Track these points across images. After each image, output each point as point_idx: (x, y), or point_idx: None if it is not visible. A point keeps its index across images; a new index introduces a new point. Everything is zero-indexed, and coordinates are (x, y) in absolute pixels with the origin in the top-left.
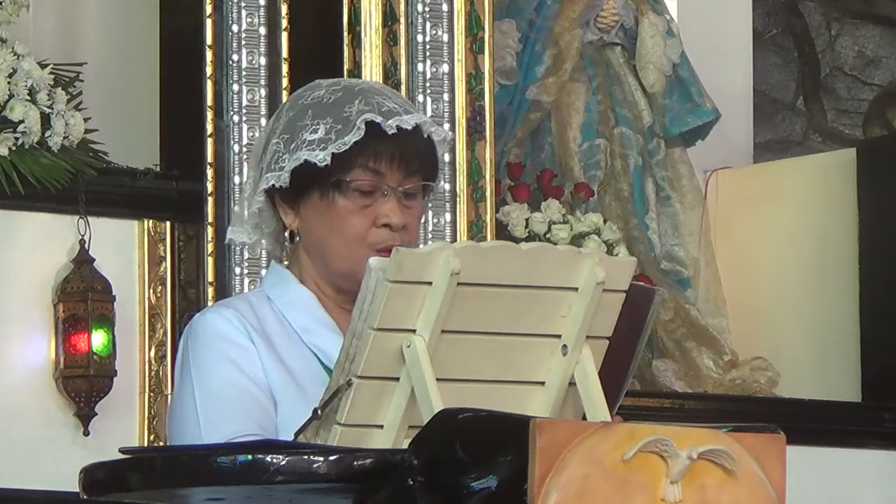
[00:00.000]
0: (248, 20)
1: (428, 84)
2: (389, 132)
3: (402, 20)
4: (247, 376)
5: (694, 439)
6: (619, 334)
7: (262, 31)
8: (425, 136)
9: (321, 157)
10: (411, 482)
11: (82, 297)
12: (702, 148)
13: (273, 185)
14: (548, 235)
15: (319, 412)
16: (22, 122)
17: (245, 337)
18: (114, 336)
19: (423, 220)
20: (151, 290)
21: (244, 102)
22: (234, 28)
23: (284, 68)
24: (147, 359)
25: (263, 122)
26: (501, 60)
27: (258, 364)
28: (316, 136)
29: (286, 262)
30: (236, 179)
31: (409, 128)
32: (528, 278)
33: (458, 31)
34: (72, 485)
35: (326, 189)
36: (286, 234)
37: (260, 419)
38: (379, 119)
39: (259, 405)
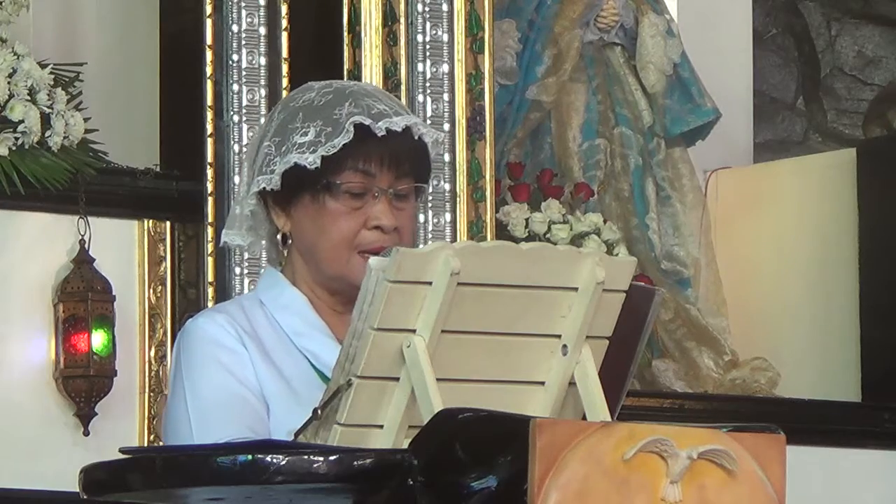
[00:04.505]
0: (248, 20)
1: (428, 84)
2: (379, 134)
3: (402, 20)
4: (239, 380)
5: (694, 439)
6: (619, 334)
7: (262, 31)
8: (416, 137)
9: (311, 160)
10: (411, 482)
11: (82, 297)
12: (702, 148)
13: (264, 188)
14: (548, 235)
15: (319, 412)
16: (22, 122)
17: (237, 341)
18: (114, 336)
19: (423, 220)
20: (151, 290)
21: (244, 102)
22: (234, 28)
23: (284, 68)
24: (147, 359)
25: (262, 122)
26: (501, 60)
27: (250, 368)
28: (306, 139)
29: (282, 265)
30: (236, 179)
31: (399, 129)
32: (528, 278)
33: (458, 31)
34: (72, 485)
35: (317, 192)
36: (279, 236)
37: (252, 423)
38: (368, 121)
39: (251, 409)
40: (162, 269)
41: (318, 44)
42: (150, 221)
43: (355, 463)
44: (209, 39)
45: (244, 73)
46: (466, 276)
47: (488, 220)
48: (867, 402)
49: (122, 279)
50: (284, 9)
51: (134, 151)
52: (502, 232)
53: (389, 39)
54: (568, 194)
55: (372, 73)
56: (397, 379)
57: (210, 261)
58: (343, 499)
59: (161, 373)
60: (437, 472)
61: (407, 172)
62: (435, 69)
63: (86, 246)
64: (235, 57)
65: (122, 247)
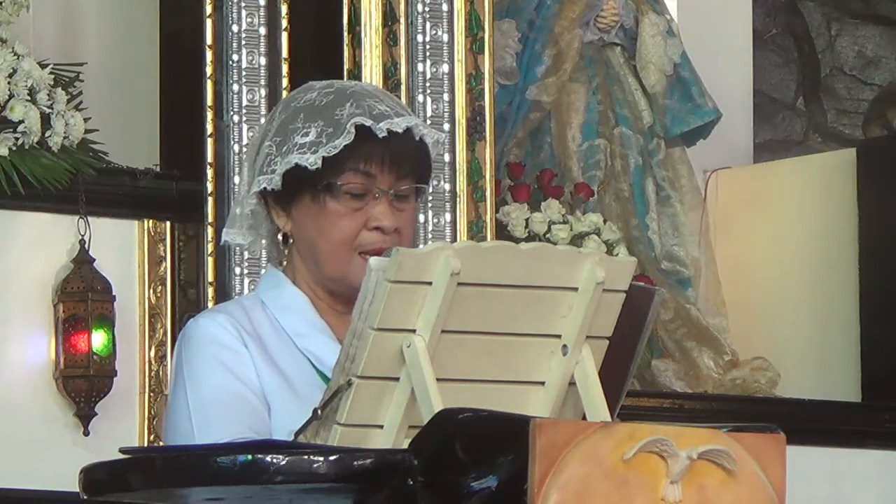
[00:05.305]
0: (248, 20)
1: (428, 84)
2: (380, 135)
3: (402, 20)
4: (240, 380)
5: (694, 439)
6: (619, 334)
7: (262, 31)
8: (417, 138)
9: (312, 161)
10: (411, 482)
11: (82, 297)
12: (702, 148)
13: (265, 188)
14: (548, 235)
15: (319, 412)
16: (22, 122)
17: (238, 341)
18: (114, 336)
19: (423, 220)
20: (151, 290)
21: (244, 102)
22: (234, 28)
23: (284, 68)
24: (147, 359)
25: (263, 122)
26: (501, 60)
27: (251, 368)
28: (307, 140)
29: (283, 264)
30: (236, 179)
31: (400, 131)
32: (527, 278)
33: (458, 31)
34: (72, 485)
35: (317, 192)
36: (279, 236)
37: (253, 423)
38: (369, 122)
39: (252, 409)
40: (162, 269)
41: (318, 44)
42: (150, 221)
43: (355, 463)
44: (209, 39)
45: (244, 73)
46: (466, 276)
47: (488, 220)
48: (867, 402)
49: (122, 279)
50: (284, 9)
51: (134, 151)
52: (502, 232)
53: (389, 39)
54: (568, 194)
55: (372, 73)
56: (397, 379)
57: (210, 261)
58: (343, 499)
59: (161, 373)
60: (437, 472)
61: (407, 173)
62: (435, 69)
63: (86, 246)
64: (235, 57)
65: (122, 247)
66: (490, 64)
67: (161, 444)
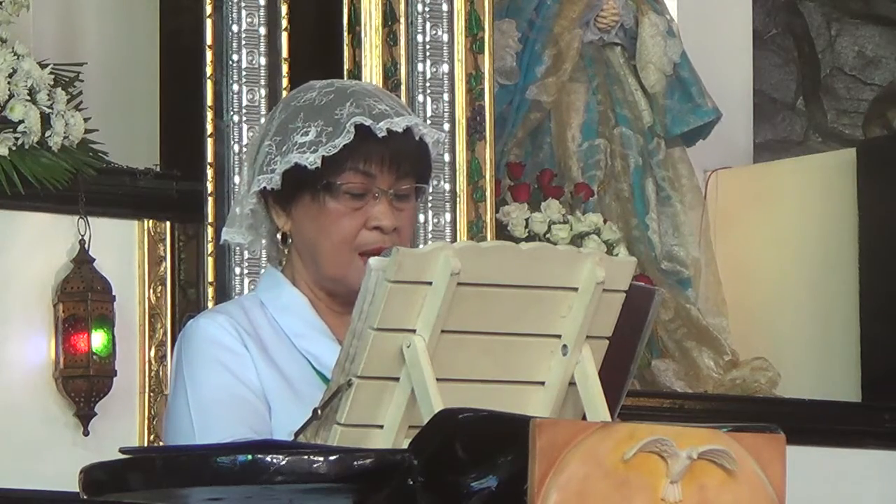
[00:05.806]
0: (248, 20)
1: (428, 84)
2: (380, 135)
3: (402, 20)
4: (240, 381)
5: (694, 439)
6: (619, 334)
7: (262, 31)
8: (417, 138)
9: (311, 160)
10: (411, 482)
11: (82, 297)
12: (702, 148)
13: (265, 188)
14: (548, 235)
15: (319, 412)
16: (22, 122)
17: (238, 342)
18: (114, 336)
19: (423, 220)
20: (151, 290)
21: (244, 102)
22: (234, 28)
23: (284, 68)
24: (147, 359)
25: (263, 121)
26: (501, 60)
27: (252, 369)
28: (307, 139)
29: (283, 264)
30: (236, 179)
31: (400, 130)
32: (527, 278)
33: (458, 31)
34: (72, 485)
35: (317, 192)
36: (279, 235)
37: (254, 423)
38: (369, 122)
39: (253, 409)
40: (162, 269)
41: (318, 44)
42: (150, 221)
43: (355, 463)
44: (209, 39)
45: (244, 73)
46: (466, 276)
47: (488, 220)
48: (867, 402)
49: (122, 279)
50: (284, 9)
51: (134, 151)
52: (502, 232)
53: (389, 39)
54: (568, 194)
55: (372, 73)
56: (397, 379)
57: (210, 261)
58: (343, 499)
59: (161, 373)
60: (437, 472)
61: (407, 173)
62: (435, 69)
63: (86, 246)
64: (235, 57)
65: (122, 247)
66: (490, 64)
67: (161, 444)
